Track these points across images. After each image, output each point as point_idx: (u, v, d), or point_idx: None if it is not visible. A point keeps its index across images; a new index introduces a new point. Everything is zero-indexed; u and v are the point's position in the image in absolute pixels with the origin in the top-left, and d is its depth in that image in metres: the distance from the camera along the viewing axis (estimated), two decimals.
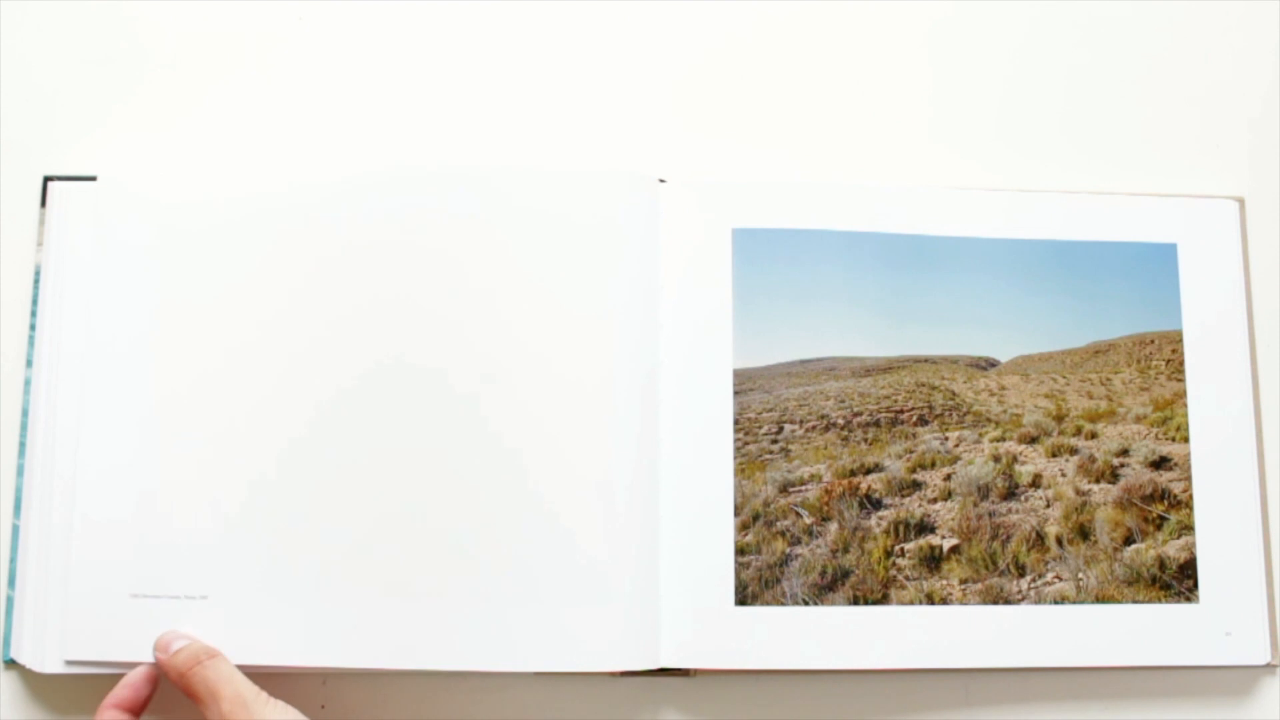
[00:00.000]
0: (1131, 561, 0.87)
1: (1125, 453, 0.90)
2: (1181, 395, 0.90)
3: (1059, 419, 0.90)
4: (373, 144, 0.92)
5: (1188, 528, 0.88)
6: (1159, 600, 0.86)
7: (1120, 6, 0.97)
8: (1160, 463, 0.89)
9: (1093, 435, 0.90)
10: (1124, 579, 0.86)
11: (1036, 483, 0.89)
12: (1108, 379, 0.91)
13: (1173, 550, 0.87)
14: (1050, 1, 0.96)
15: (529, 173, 0.90)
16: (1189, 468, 0.89)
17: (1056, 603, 0.85)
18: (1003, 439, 0.90)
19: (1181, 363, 0.90)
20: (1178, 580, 0.86)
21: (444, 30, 0.94)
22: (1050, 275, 0.91)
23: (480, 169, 0.91)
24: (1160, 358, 0.91)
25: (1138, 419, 0.90)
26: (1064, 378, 0.91)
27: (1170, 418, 0.90)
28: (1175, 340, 0.91)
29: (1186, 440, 0.89)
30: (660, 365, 0.87)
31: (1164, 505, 0.88)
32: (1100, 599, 0.85)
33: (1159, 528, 0.88)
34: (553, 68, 0.94)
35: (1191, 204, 0.92)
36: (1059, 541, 0.87)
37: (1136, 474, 0.89)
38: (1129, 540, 0.87)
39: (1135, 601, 0.86)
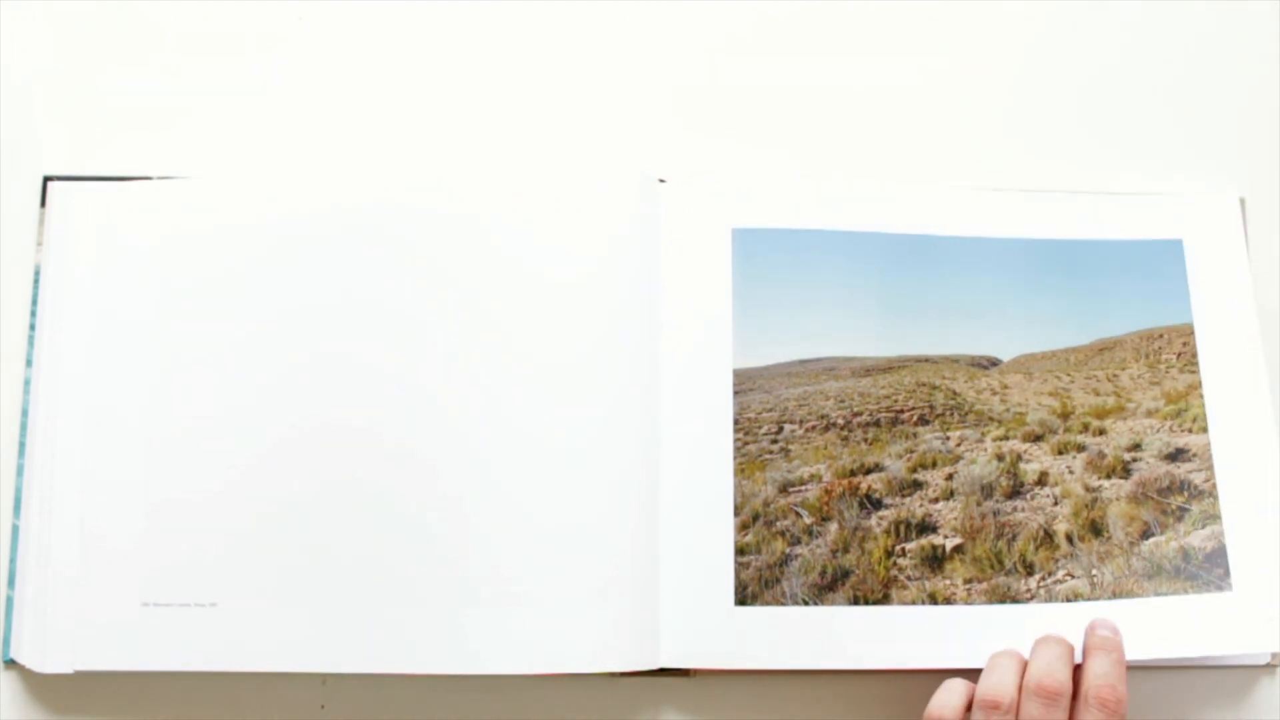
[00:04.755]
0: (1151, 555, 0.86)
1: (1137, 447, 0.89)
2: (1196, 387, 0.89)
3: (1064, 416, 0.90)
4: (373, 143, 0.92)
5: (1212, 517, 0.86)
6: (1184, 591, 0.85)
7: (1121, 7, 0.96)
8: (1176, 455, 0.88)
9: (1101, 432, 0.90)
10: (1143, 573, 0.85)
11: (1043, 480, 0.88)
12: (1114, 375, 0.91)
13: (1197, 540, 0.86)
14: (1051, 2, 0.96)
15: (529, 173, 0.90)
16: (1209, 458, 0.88)
17: (1069, 600, 0.85)
18: (1006, 437, 0.90)
19: (1194, 355, 0.89)
20: (1205, 570, 0.85)
21: (444, 30, 0.94)
22: (1053, 274, 0.91)
23: (480, 169, 0.91)
24: (1170, 351, 0.90)
25: (1149, 413, 0.90)
26: (1068, 375, 0.91)
27: (1185, 409, 0.89)
28: (1186, 333, 0.90)
29: (1205, 431, 0.88)
30: (660, 365, 0.87)
31: (1184, 496, 0.87)
32: (1117, 594, 0.85)
33: (1180, 519, 0.87)
34: (553, 68, 0.94)
35: (1196, 200, 0.92)
36: (1069, 539, 0.87)
37: (1151, 467, 0.88)
38: (1146, 534, 0.87)
39: (1158, 594, 0.85)
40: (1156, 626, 0.84)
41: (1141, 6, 0.96)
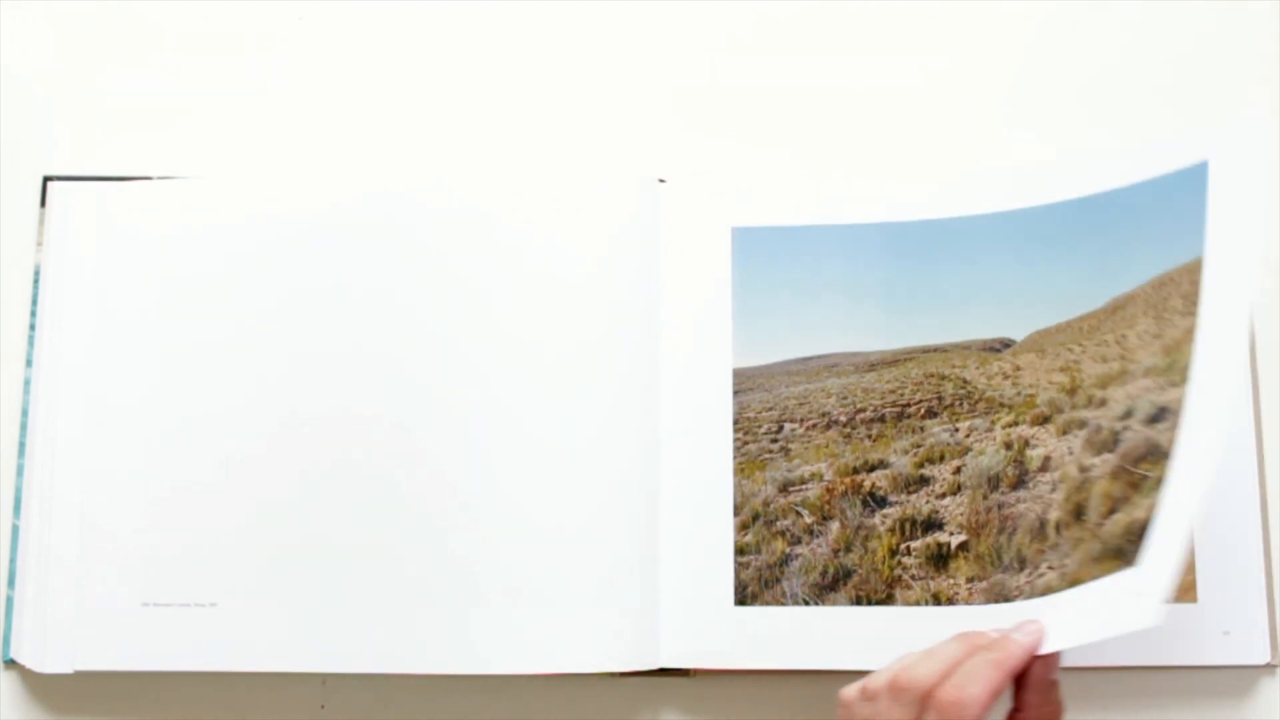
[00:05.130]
0: (1106, 535, 0.79)
1: (1129, 414, 0.81)
2: (1193, 330, 0.77)
3: (1072, 392, 0.85)
4: (373, 143, 0.93)
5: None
6: (1117, 570, 0.77)
7: (1121, 7, 0.96)
8: (1159, 415, 0.78)
9: (1103, 402, 0.83)
10: (1096, 556, 0.79)
11: (1045, 466, 0.84)
12: (1123, 336, 0.84)
13: (1143, 511, 0.76)
14: (1051, 2, 0.96)
15: (529, 172, 0.90)
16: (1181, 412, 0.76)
17: (1043, 594, 0.84)
18: (1015, 423, 0.88)
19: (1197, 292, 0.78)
20: (1133, 545, 0.76)
21: (444, 30, 0.94)
22: (1063, 237, 0.85)
23: (480, 169, 0.91)
24: (1178, 294, 0.80)
25: (1148, 372, 0.80)
26: (1080, 346, 0.85)
27: (1177, 360, 0.77)
28: (1196, 269, 0.78)
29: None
30: (660, 365, 0.87)
31: (1151, 463, 0.77)
32: (1074, 581, 0.80)
33: (1139, 490, 0.78)
34: (553, 68, 0.94)
35: (1222, 122, 0.81)
36: (1056, 528, 0.83)
37: (1135, 435, 0.79)
38: (1112, 511, 0.79)
39: (1094, 579, 0.78)
40: (1071, 616, 0.78)
41: (1142, 6, 0.96)
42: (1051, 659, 0.76)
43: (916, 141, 0.94)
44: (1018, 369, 0.88)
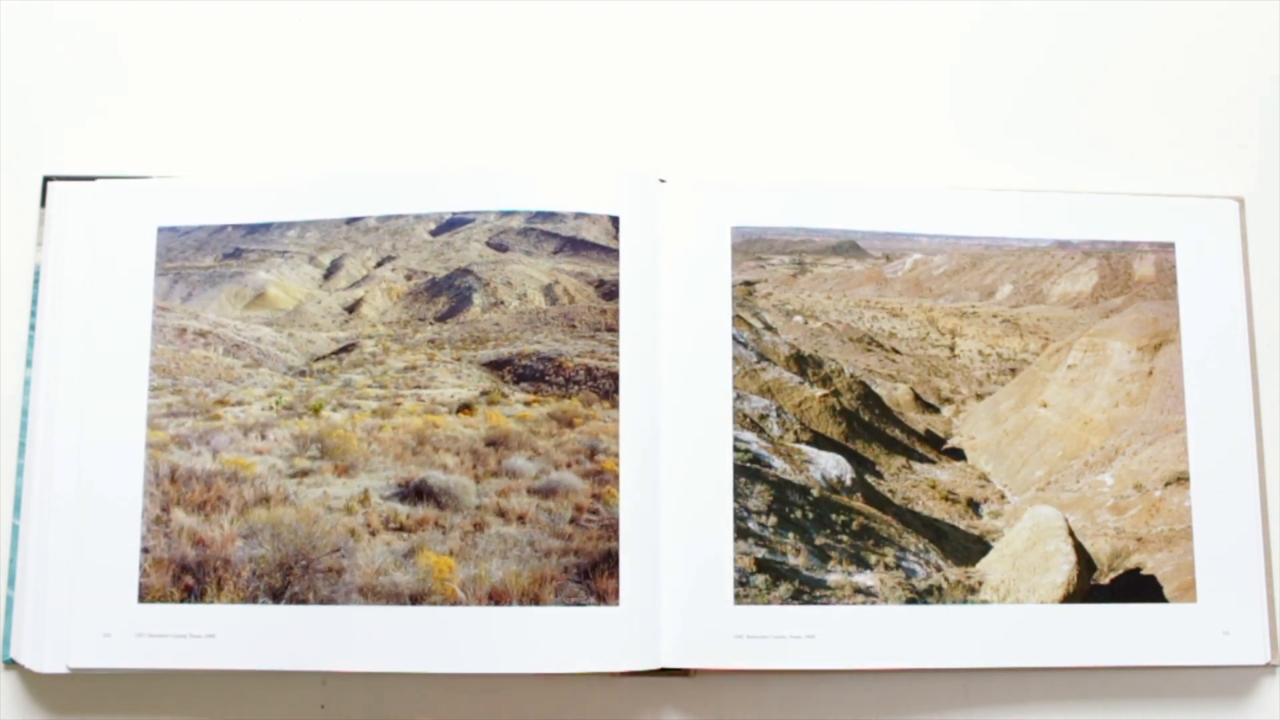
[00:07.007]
0: None
1: None
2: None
3: None
4: (373, 143, 0.92)
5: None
6: None
7: (1120, 7, 0.96)
8: None
9: None
10: None
11: None
12: None
13: None
14: (1051, 4, 0.96)
15: (530, 173, 0.90)
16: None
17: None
18: None
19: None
20: None
21: (445, 30, 0.94)
22: None
23: (481, 169, 0.91)
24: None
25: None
26: None
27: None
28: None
29: None
30: (660, 364, 0.87)
31: None
32: None
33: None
34: (554, 68, 0.94)
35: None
36: None
37: None
38: None
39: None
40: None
41: (1141, 7, 0.96)
42: None
43: (917, 142, 0.94)
44: None
